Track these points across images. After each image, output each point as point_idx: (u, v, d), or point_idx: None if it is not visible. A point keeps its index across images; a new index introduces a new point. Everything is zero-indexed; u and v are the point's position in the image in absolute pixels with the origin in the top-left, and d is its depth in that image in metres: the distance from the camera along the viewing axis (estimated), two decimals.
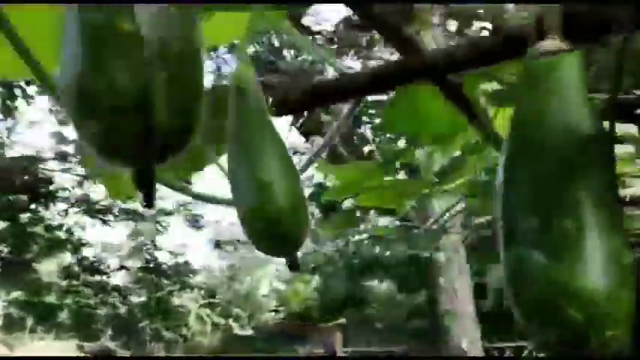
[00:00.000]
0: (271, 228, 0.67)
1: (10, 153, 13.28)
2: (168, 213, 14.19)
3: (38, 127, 12.53)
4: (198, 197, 0.91)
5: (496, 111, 1.29)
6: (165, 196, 14.28)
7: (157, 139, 0.41)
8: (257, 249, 0.71)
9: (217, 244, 16.78)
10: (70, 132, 14.07)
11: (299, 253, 0.72)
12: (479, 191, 1.89)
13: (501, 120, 1.43)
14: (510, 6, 0.89)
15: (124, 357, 14.03)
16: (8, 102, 10.45)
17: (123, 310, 14.64)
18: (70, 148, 13.95)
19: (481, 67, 0.71)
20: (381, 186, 1.71)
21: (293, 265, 0.71)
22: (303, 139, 10.39)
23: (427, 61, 0.74)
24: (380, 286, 21.29)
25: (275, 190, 0.66)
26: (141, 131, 0.40)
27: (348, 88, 0.76)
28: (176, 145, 0.44)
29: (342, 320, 19.76)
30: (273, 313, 31.76)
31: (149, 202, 0.42)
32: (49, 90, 0.69)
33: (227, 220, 17.90)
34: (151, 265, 14.18)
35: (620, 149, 1.69)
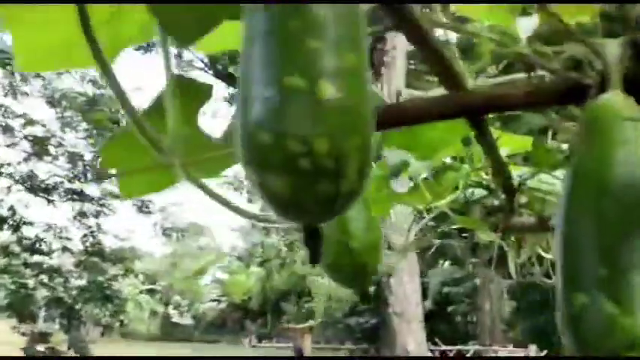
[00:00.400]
0: (352, 265, 0.68)
1: None
2: (116, 196, 13.85)
3: None
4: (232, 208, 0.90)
5: (500, 134, 1.34)
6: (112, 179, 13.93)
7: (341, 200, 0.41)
8: (332, 279, 0.71)
9: (163, 231, 16.54)
10: (17, 105, 13.56)
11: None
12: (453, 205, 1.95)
13: (504, 141, 1.49)
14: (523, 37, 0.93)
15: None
16: None
17: (62, 292, 14.23)
18: (16, 123, 13.45)
19: (533, 110, 0.74)
20: None
21: (365, 297, 0.72)
22: None
23: (478, 99, 0.76)
24: (324, 282, 21.44)
25: (358, 229, 0.67)
26: (333, 195, 0.39)
27: (405, 115, 0.78)
28: (349, 202, 0.44)
29: (312, 322, 19.81)
30: (214, 303, 31.55)
31: (316, 259, 0.41)
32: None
33: (174, 207, 17.63)
34: (95, 249, 13.83)
35: None
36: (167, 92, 0.69)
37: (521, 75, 1.10)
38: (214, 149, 0.98)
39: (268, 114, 0.40)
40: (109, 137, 0.92)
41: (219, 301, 30.22)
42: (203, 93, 0.91)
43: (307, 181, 0.38)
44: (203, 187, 0.74)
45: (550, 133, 1.39)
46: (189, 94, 0.85)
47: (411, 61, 10.20)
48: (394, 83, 7.84)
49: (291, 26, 0.39)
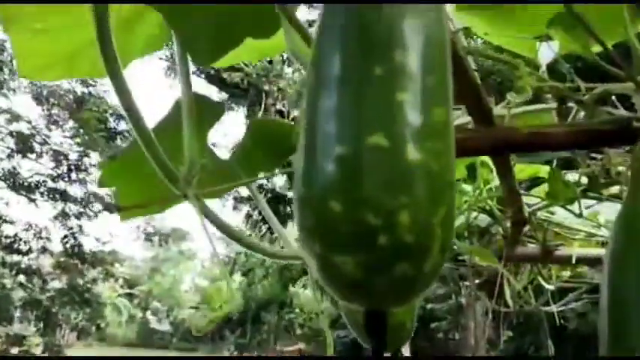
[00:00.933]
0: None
1: None
2: (100, 198, 13.67)
3: None
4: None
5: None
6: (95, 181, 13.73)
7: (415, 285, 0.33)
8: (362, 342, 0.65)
9: (146, 236, 16.33)
10: (3, 100, 13.35)
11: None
12: None
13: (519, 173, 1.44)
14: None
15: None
16: None
17: (39, 294, 13.98)
18: (1, 118, 13.24)
19: (579, 149, 0.69)
20: None
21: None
22: None
23: (518, 137, 0.71)
24: (306, 293, 21.32)
25: None
26: (412, 276, 0.32)
27: None
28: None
29: (301, 345, 19.65)
30: (193, 310, 31.25)
31: (381, 345, 0.34)
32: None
33: (160, 215, 17.46)
34: (75, 251, 13.59)
35: None
36: (186, 116, 0.63)
37: (547, 105, 1.05)
38: (224, 172, 0.92)
39: (342, 178, 0.32)
40: (111, 155, 0.85)
41: (198, 308, 29.93)
42: (216, 112, 0.85)
43: (384, 260, 0.30)
44: (215, 220, 0.68)
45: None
46: (201, 113, 0.79)
47: None
48: None
49: (374, 74, 0.31)
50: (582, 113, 0.89)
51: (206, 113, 0.83)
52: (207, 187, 0.83)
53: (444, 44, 0.33)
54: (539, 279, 1.98)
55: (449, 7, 1.08)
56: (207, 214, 0.66)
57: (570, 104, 0.88)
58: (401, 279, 0.31)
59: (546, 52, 1.07)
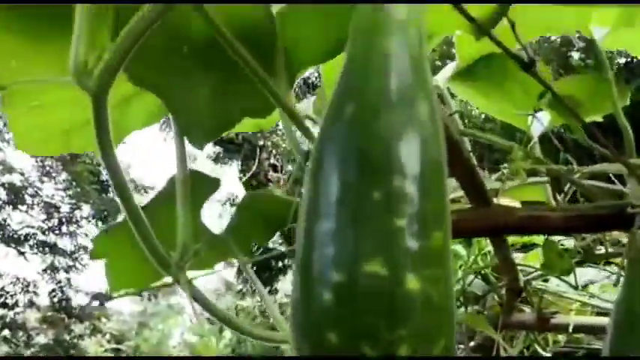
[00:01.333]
0: None
1: None
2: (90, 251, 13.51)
3: None
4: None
5: None
6: (87, 233, 13.64)
7: None
8: None
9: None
10: None
11: None
12: None
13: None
14: None
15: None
16: None
17: (23, 348, 13.62)
18: None
19: (575, 233, 0.69)
20: None
21: None
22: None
23: (514, 220, 0.71)
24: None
25: None
26: None
27: None
28: None
29: None
30: None
31: None
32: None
33: None
34: (63, 305, 13.34)
35: None
36: (180, 198, 0.63)
37: (541, 179, 1.05)
38: (217, 247, 0.91)
39: (338, 306, 0.31)
40: (104, 229, 0.85)
41: (227, 357, 29.14)
42: (211, 186, 0.85)
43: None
44: (205, 304, 0.67)
45: None
46: (196, 188, 0.78)
47: None
48: None
49: (371, 199, 0.30)
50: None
51: (201, 188, 0.83)
52: (198, 264, 0.82)
53: (442, 163, 0.33)
54: (535, 345, 1.95)
55: (444, 81, 1.10)
56: (197, 298, 0.65)
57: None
58: None
59: (538, 125, 1.09)
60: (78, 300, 13.99)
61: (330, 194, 0.31)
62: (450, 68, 1.07)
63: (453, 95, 1.14)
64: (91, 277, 14.16)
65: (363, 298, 0.29)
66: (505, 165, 0.94)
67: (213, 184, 0.82)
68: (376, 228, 0.30)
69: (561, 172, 0.76)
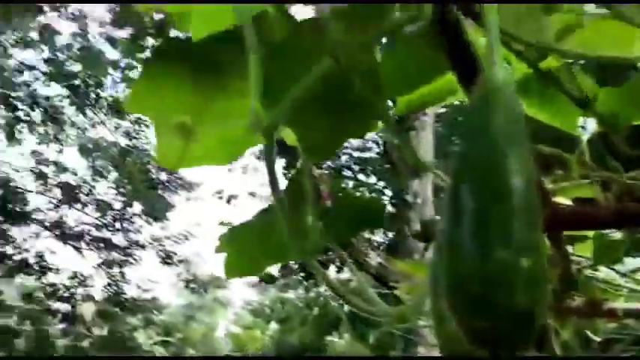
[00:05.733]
0: None
1: None
2: (141, 246, 14.02)
3: (16, 143, 12.31)
4: None
5: None
6: (140, 229, 14.14)
7: None
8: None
9: (186, 283, 16.58)
10: (50, 151, 13.95)
11: None
12: None
13: None
14: None
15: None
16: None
17: (81, 341, 14.22)
18: (49, 170, 13.80)
19: (626, 227, 0.83)
20: None
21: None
22: None
23: (566, 217, 0.86)
24: (341, 342, 21.12)
25: None
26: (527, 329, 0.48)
27: None
28: None
29: None
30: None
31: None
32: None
33: (197, 257, 17.70)
34: (118, 298, 13.89)
35: None
36: (280, 221, 0.79)
37: (590, 179, 1.19)
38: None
39: (477, 277, 0.48)
40: (229, 228, 1.03)
41: (232, 356, 29.74)
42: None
43: (506, 323, 0.46)
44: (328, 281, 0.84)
45: None
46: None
47: (438, 124, 10.33)
48: (423, 150, 7.96)
49: (495, 211, 0.47)
50: None
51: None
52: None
53: (534, 187, 0.50)
54: (586, 331, 2.07)
55: None
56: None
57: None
58: (519, 334, 0.47)
59: (587, 128, 1.22)
60: (131, 293, 14.52)
61: (466, 206, 0.48)
62: None
63: None
64: (143, 271, 14.70)
65: (493, 271, 0.46)
66: (559, 172, 1.10)
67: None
68: (501, 228, 0.47)
69: (611, 177, 0.91)
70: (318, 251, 0.81)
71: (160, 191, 14.08)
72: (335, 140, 0.82)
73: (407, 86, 0.80)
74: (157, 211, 13.87)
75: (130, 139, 14.24)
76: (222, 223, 11.71)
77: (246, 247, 1.04)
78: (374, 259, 7.33)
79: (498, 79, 0.48)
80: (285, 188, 0.95)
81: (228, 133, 0.87)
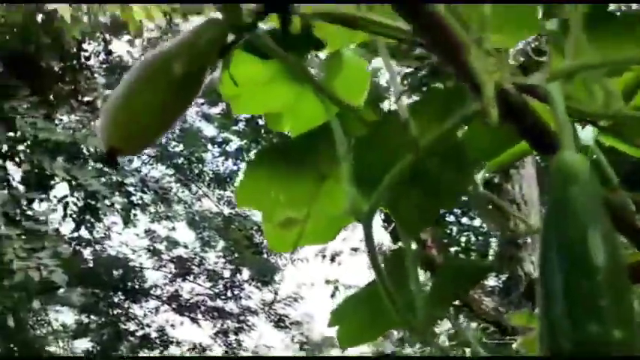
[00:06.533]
0: None
1: (108, 250, 13.96)
2: (254, 312, 14.33)
3: (131, 225, 13.09)
4: None
5: None
6: (250, 295, 14.49)
7: None
8: None
9: (301, 346, 16.67)
10: (162, 228, 14.73)
11: None
12: None
13: None
14: None
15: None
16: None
17: None
18: (162, 246, 14.54)
19: None
20: None
21: None
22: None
23: None
24: None
25: None
26: None
27: None
28: None
29: None
30: None
31: None
32: None
33: (310, 322, 17.83)
34: None
35: None
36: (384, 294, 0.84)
37: None
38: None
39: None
40: (344, 300, 1.09)
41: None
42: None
43: None
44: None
45: None
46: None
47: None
48: (527, 184, 7.70)
49: (584, 288, 0.50)
50: None
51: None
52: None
53: (623, 260, 0.53)
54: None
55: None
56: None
57: None
58: None
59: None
60: None
61: (555, 286, 0.51)
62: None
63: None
64: (258, 337, 14.93)
65: (587, 345, 0.49)
66: None
67: None
68: (588, 306, 0.49)
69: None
70: (424, 318, 0.85)
71: (265, 255, 14.44)
72: (428, 215, 0.87)
73: (488, 157, 0.85)
74: (264, 276, 14.20)
75: (233, 208, 14.78)
76: (328, 282, 11.80)
77: (356, 319, 1.09)
78: (489, 304, 7.09)
79: (572, 163, 0.52)
80: (388, 258, 1.01)
81: (335, 212, 0.94)
